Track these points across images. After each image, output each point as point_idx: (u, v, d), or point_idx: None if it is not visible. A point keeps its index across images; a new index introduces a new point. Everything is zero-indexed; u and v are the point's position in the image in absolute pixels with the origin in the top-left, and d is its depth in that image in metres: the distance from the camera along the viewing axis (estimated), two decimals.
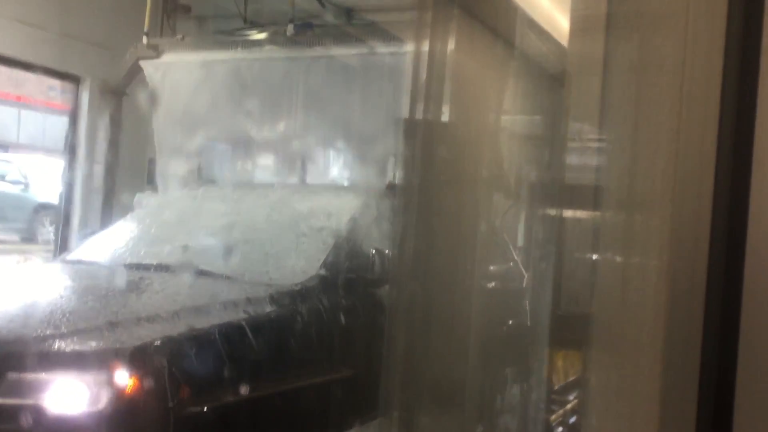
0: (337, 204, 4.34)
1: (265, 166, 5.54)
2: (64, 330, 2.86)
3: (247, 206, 4.53)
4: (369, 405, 3.46)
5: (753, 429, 1.17)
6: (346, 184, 5.21)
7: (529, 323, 3.72)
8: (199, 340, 2.96)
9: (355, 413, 3.63)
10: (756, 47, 1.17)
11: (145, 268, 3.89)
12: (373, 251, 3.86)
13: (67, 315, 3.04)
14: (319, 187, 4.96)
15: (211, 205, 4.62)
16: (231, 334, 3.07)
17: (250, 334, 3.13)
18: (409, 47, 4.57)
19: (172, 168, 5.43)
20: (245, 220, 4.32)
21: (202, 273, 3.72)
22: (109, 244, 4.38)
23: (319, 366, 3.48)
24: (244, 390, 3.04)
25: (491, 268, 4.09)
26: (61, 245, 5.87)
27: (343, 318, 3.68)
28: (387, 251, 3.85)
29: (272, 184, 5.17)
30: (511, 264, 4.67)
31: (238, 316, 3.20)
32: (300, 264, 3.81)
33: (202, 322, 3.06)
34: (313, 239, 4.01)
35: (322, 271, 3.75)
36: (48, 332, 2.84)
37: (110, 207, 5.74)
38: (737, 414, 1.17)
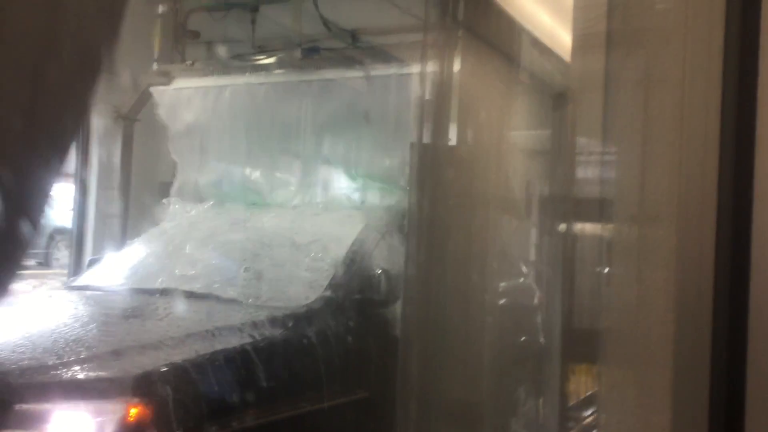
0: (345, 225, 4.31)
1: (277, 187, 5.59)
2: (67, 359, 2.82)
3: (255, 228, 4.51)
4: (383, 426, 3.43)
5: None
6: (354, 204, 5.21)
7: (542, 340, 3.72)
8: (204, 366, 2.91)
9: None
10: (753, 59, 1.19)
11: (150, 293, 3.85)
12: (380, 271, 3.82)
13: (71, 343, 3.00)
14: (327, 208, 4.90)
15: (220, 228, 4.58)
16: (236, 359, 3.04)
17: (255, 359, 3.09)
18: (413, 69, 4.62)
19: (189, 192, 5.48)
20: (252, 242, 4.28)
21: (206, 297, 3.68)
22: (115, 269, 4.37)
23: (328, 389, 3.43)
24: (251, 415, 3.01)
25: (503, 285, 4.09)
26: (75, 270, 5.92)
27: (350, 339, 3.64)
28: (394, 271, 3.82)
29: (282, 205, 5.14)
30: (522, 280, 4.67)
31: (243, 340, 3.16)
32: (306, 286, 3.76)
33: (207, 348, 3.01)
34: (320, 261, 3.96)
35: (328, 293, 3.70)
36: (51, 362, 2.80)
37: (124, 232, 5.79)
38: (749, 421, 1.18)
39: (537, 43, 3.00)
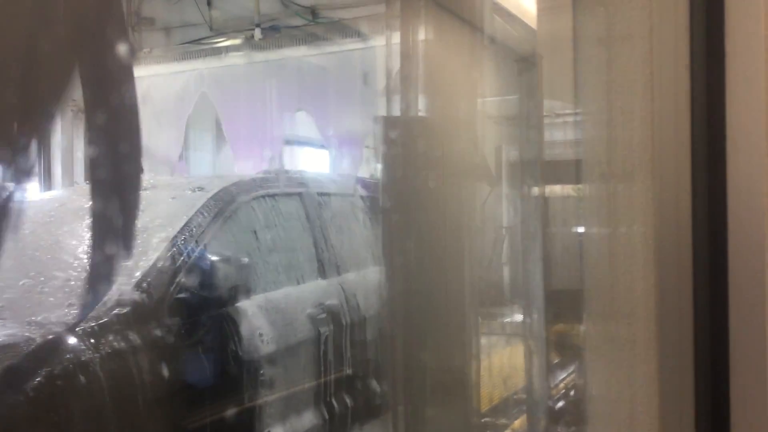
0: (188, 204, 3.35)
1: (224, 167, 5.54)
2: None
3: (60, 220, 3.45)
4: None
5: (749, 376, 1.21)
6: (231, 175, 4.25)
7: (524, 302, 3.77)
8: None
9: None
10: (720, 6, 1.21)
11: None
12: (215, 259, 3.06)
13: None
14: (190, 183, 3.76)
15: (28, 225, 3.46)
16: None
17: None
18: (375, 42, 4.59)
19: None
20: (49, 238, 3.28)
21: None
22: None
23: None
24: None
25: (480, 251, 4.11)
26: None
27: (165, 362, 2.75)
28: (240, 258, 3.11)
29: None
30: (496, 246, 4.71)
31: None
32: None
33: None
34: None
35: (137, 296, 2.79)
36: None
37: None
38: (733, 362, 1.21)
39: (499, 9, 3.00)
